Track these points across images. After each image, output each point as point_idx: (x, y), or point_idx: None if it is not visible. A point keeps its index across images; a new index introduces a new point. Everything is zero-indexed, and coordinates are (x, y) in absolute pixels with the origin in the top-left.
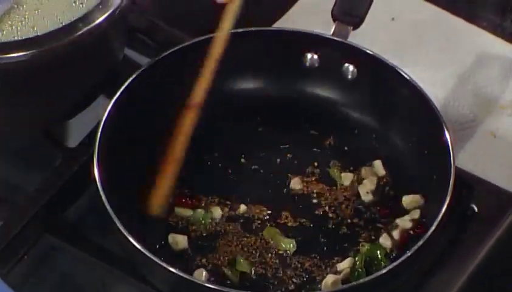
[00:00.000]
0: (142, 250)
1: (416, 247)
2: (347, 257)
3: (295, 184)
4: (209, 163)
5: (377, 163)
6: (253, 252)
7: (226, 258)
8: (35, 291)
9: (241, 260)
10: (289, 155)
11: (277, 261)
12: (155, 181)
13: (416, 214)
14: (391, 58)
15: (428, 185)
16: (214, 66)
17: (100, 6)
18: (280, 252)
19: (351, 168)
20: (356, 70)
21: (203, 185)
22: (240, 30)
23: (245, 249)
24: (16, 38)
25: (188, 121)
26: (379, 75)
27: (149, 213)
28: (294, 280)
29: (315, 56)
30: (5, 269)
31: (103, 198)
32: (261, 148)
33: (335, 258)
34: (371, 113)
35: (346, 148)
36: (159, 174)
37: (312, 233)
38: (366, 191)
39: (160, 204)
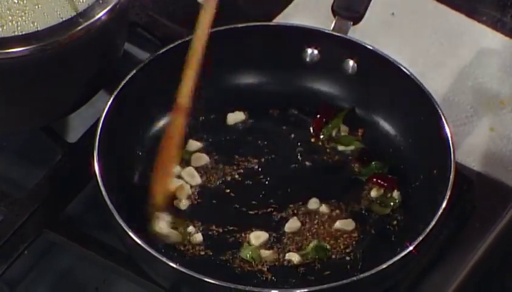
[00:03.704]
0: (143, 245)
1: (416, 242)
2: None
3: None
4: (209, 157)
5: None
6: None
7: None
8: (35, 286)
9: None
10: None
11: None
12: (154, 177)
13: None
14: (391, 53)
15: (428, 180)
16: (197, 67)
17: (100, 1)
18: None
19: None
20: (356, 65)
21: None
22: (240, 25)
23: None
24: (16, 33)
25: (178, 124)
26: (379, 70)
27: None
28: None
29: (316, 52)
30: (5, 264)
31: (103, 193)
32: (260, 143)
33: None
34: (371, 108)
35: None
36: (156, 171)
37: None
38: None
39: (160, 199)
